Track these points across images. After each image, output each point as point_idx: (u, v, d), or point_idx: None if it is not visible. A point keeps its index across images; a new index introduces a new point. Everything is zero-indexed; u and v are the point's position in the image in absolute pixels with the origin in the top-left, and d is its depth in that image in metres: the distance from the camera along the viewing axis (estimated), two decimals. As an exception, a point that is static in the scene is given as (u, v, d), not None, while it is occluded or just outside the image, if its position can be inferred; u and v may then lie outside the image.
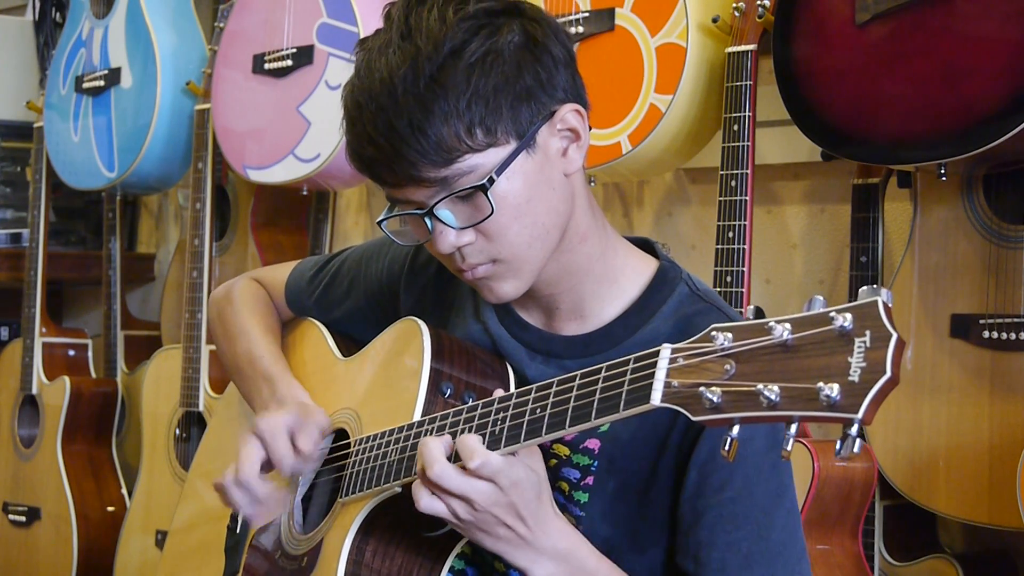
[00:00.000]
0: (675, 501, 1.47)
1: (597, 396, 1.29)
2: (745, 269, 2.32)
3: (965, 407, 2.26)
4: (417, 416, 1.50)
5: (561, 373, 1.38)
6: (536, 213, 1.44)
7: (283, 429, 1.61)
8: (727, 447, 1.17)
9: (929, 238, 2.34)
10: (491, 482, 1.36)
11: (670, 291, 1.53)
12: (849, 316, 1.11)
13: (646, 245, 1.60)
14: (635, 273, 1.55)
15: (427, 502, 1.38)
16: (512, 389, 1.53)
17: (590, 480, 1.50)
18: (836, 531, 2.31)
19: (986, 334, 2.24)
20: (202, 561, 1.83)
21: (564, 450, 1.50)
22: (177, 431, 3.40)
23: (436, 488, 1.37)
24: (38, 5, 4.19)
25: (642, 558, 1.50)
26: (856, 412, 1.08)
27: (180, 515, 1.98)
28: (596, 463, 1.50)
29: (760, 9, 2.35)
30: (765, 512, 1.45)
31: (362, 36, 2.85)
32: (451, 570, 1.50)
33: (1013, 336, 2.21)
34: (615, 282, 1.54)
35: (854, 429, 1.09)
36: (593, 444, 1.50)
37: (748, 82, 2.36)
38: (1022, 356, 2.21)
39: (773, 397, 1.13)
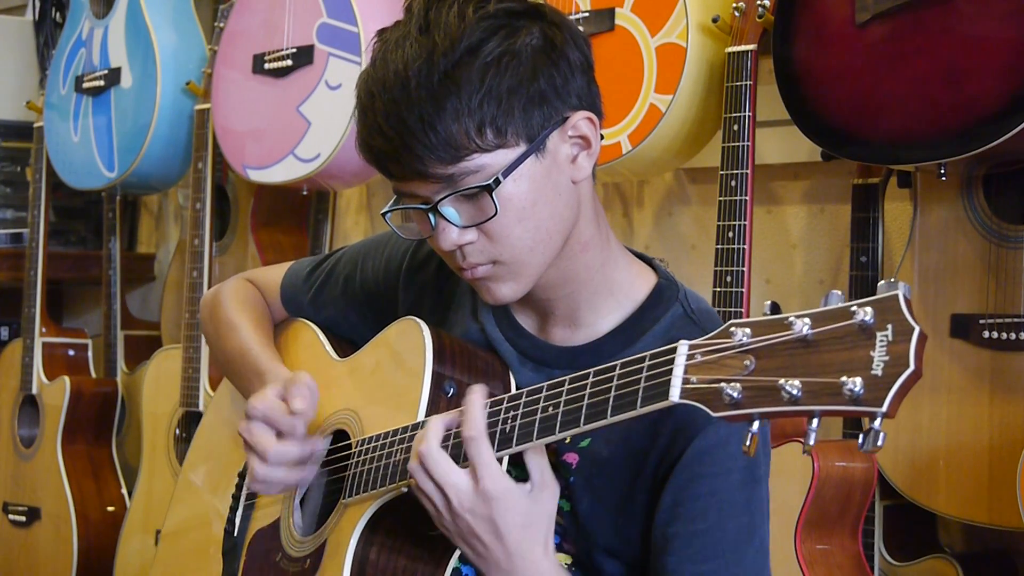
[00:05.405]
0: (650, 521, 1.47)
1: (613, 393, 1.29)
2: (745, 269, 2.32)
3: (965, 407, 2.26)
4: (421, 416, 1.49)
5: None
6: (540, 217, 1.43)
7: (273, 398, 1.60)
8: (748, 443, 1.17)
9: (929, 238, 2.34)
10: (469, 479, 1.36)
11: (664, 311, 1.52)
12: (870, 310, 1.11)
13: (644, 261, 1.60)
14: (632, 288, 1.54)
15: (420, 478, 1.40)
16: (513, 390, 1.53)
17: (568, 492, 1.50)
18: (836, 531, 2.31)
19: (986, 334, 2.24)
20: (198, 565, 1.82)
21: (551, 456, 1.50)
22: (177, 431, 3.40)
23: (420, 464, 1.39)
24: (38, 5, 4.19)
25: (619, 568, 1.51)
26: (880, 406, 1.08)
27: (172, 518, 1.96)
28: (573, 478, 1.50)
29: (760, 9, 2.34)
30: (733, 548, 1.44)
31: (362, 36, 2.89)
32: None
33: (1013, 336, 2.21)
34: (611, 294, 1.53)
35: (878, 423, 1.09)
36: (571, 459, 1.50)
37: (748, 82, 2.36)
38: (1022, 356, 2.21)
39: (795, 392, 1.13)
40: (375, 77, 1.42)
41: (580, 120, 1.44)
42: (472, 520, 1.37)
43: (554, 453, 1.49)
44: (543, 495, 1.40)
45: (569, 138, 1.45)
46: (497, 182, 1.39)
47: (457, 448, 1.41)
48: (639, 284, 1.55)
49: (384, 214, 1.50)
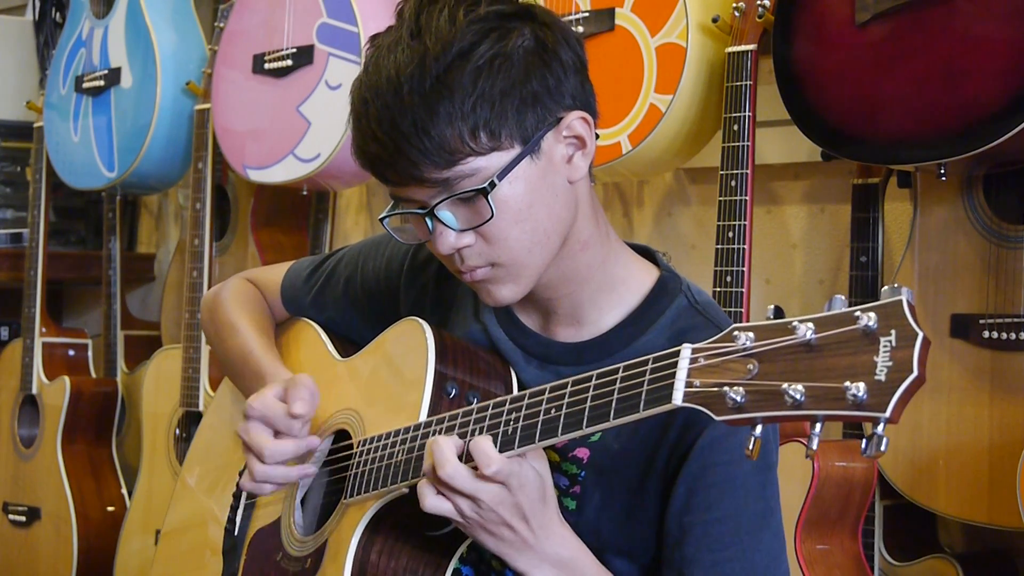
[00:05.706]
0: (663, 514, 1.47)
1: (616, 396, 1.29)
2: (745, 269, 2.32)
3: (965, 407, 2.26)
4: (423, 417, 1.49)
5: (555, 379, 1.38)
6: (537, 219, 1.43)
7: (272, 398, 1.59)
8: (751, 446, 1.17)
9: (929, 238, 2.34)
10: (502, 484, 1.36)
11: (668, 303, 1.52)
12: (873, 315, 1.11)
13: (646, 253, 1.60)
14: (635, 283, 1.54)
15: (432, 501, 1.39)
16: (515, 390, 1.53)
17: (577, 489, 1.50)
18: (836, 531, 2.32)
19: (986, 334, 2.24)
20: (198, 563, 1.82)
21: (554, 456, 1.50)
22: (177, 431, 3.40)
23: (445, 487, 1.37)
24: (38, 5, 4.19)
25: (629, 567, 1.51)
26: (883, 411, 1.08)
27: (172, 517, 1.96)
28: (583, 473, 1.50)
29: (760, 9, 2.35)
30: (751, 534, 1.45)
31: (362, 36, 2.89)
32: (450, 570, 1.51)
33: (1013, 336, 2.21)
34: (614, 290, 1.53)
35: (881, 428, 1.09)
36: (582, 453, 1.50)
37: (748, 82, 2.36)
38: (1022, 356, 2.21)
39: (798, 396, 1.13)
40: (368, 83, 1.42)
41: (574, 120, 1.44)
42: (501, 510, 1.37)
43: (564, 449, 1.49)
44: (539, 460, 1.40)
45: (564, 138, 1.45)
46: (493, 185, 1.39)
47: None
48: (642, 278, 1.55)
49: (382, 219, 1.50)
